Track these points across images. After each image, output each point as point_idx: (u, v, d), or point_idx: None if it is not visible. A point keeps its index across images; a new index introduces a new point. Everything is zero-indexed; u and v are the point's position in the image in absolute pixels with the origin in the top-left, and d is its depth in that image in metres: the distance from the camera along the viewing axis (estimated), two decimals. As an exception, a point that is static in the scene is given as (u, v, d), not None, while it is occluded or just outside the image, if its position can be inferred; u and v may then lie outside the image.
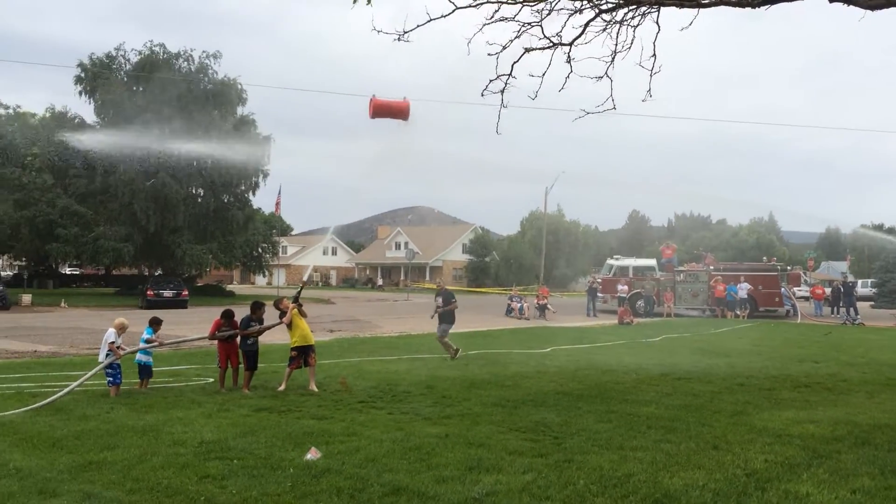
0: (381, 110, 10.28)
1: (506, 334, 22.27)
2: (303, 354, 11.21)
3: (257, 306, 11.65)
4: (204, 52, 45.18)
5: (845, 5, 6.23)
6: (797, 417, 8.90)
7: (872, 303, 41.88)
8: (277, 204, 45.41)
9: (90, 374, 10.30)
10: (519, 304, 31.91)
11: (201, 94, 43.36)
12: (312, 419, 8.59)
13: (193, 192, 44.74)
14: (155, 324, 11.30)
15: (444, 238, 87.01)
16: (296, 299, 11.82)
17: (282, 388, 10.86)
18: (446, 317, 16.19)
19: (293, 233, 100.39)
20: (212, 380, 11.68)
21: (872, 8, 6.24)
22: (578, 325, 26.98)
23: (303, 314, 11.65)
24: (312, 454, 6.76)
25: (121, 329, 10.66)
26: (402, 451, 6.97)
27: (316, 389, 10.73)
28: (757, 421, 8.67)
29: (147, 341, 10.99)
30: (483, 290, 64.85)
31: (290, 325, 11.39)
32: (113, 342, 10.38)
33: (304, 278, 13.94)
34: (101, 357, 10.44)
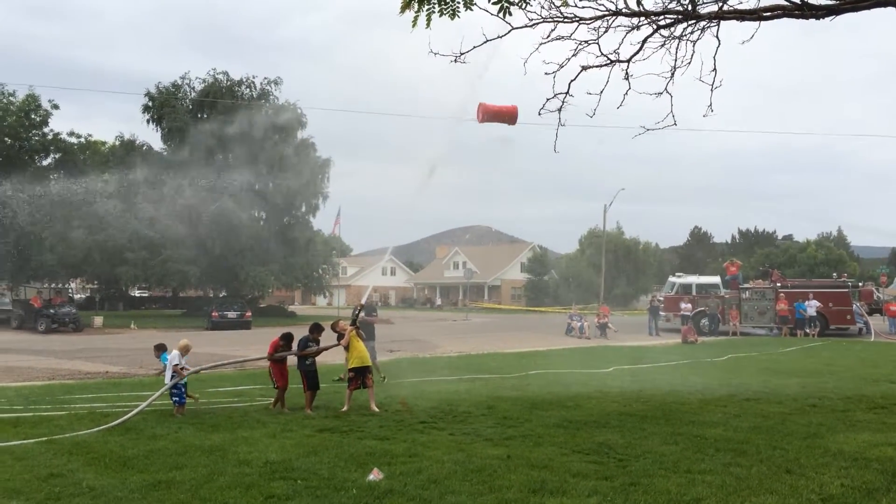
0: (490, 114, 10.36)
1: (566, 354, 22.02)
2: (360, 375, 11.28)
3: (316, 328, 11.83)
4: (265, 78, 46.52)
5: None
6: (874, 440, 8.52)
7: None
8: (336, 225, 46.17)
9: (157, 394, 10.58)
10: (579, 323, 31.55)
11: (263, 120, 44.51)
12: (374, 440, 8.62)
13: (256, 214, 45.78)
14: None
15: (502, 257, 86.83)
16: (353, 321, 11.95)
17: (345, 409, 10.95)
18: (368, 331, 14.73)
19: (352, 253, 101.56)
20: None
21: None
22: (641, 345, 26.50)
23: (360, 336, 11.75)
24: (375, 475, 6.78)
25: (185, 350, 10.95)
26: (464, 473, 6.92)
27: (377, 409, 10.78)
28: (831, 444, 8.34)
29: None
30: (542, 309, 64.35)
31: (347, 347, 11.48)
32: (177, 364, 10.66)
33: (363, 300, 13.96)
34: (167, 378, 10.72)
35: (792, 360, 19.93)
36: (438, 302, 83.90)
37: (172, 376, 10.59)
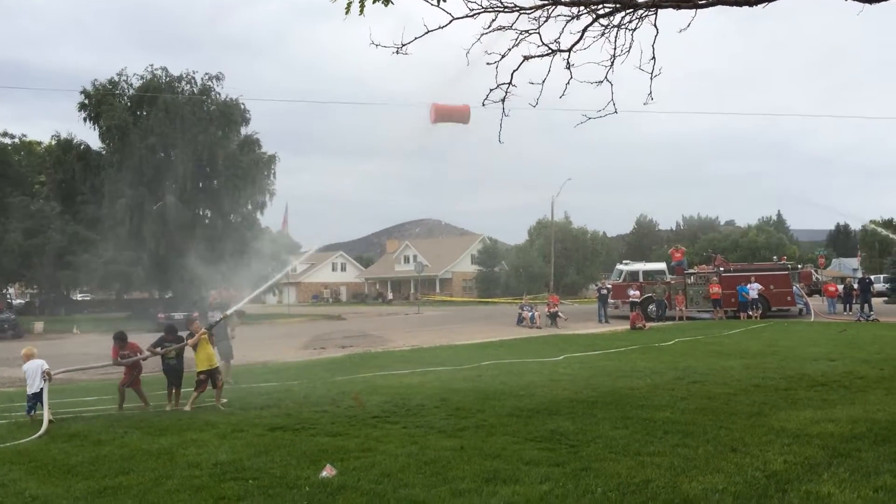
0: (443, 115, 10.30)
1: (518, 344, 22.19)
2: (210, 377, 11.42)
3: (170, 329, 12.13)
4: (206, 73, 45.61)
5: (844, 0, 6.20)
6: (815, 417, 8.80)
7: (886, 298, 41.61)
8: (284, 222, 45.59)
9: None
10: (530, 313, 31.83)
11: (205, 116, 43.66)
12: (327, 436, 8.55)
13: (201, 213, 44.94)
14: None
15: (453, 250, 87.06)
16: (210, 328, 12.05)
17: (189, 408, 10.98)
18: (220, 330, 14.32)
19: (302, 251, 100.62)
20: (225, 400, 11.66)
21: (871, 1, 6.22)
22: (590, 332, 26.88)
23: (211, 342, 11.88)
24: (328, 471, 6.72)
25: (27, 357, 10.70)
26: (418, 466, 6.92)
27: (223, 407, 10.98)
28: (775, 422, 8.58)
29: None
30: (494, 300, 64.76)
31: (195, 349, 11.51)
32: (46, 369, 10.49)
33: (228, 312, 13.57)
34: (37, 387, 10.37)
35: (736, 342, 20.46)
36: (390, 296, 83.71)
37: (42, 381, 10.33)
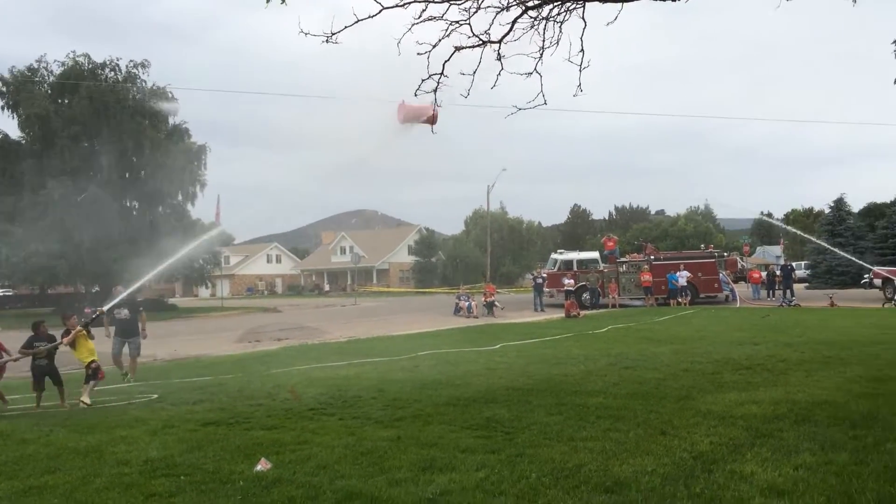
0: (411, 115, 10.18)
1: (455, 333, 22.31)
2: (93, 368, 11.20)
3: (35, 326, 11.60)
4: (131, 61, 44.15)
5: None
6: (740, 399, 9.12)
7: (807, 284, 43.37)
8: (217, 214, 44.64)
9: None
10: (467, 303, 32.04)
11: (130, 105, 42.30)
12: (262, 430, 8.44)
13: (128, 205, 43.60)
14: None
15: (389, 240, 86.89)
16: (86, 325, 11.77)
17: (85, 399, 10.76)
18: (129, 328, 14.36)
19: (235, 242, 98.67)
20: (156, 395, 11.41)
21: (788, -4, 6.45)
22: (526, 321, 27.22)
23: (90, 336, 11.63)
24: (262, 465, 6.64)
25: None
26: (355, 457, 6.90)
27: (88, 402, 10.73)
28: (702, 405, 8.86)
29: None
30: (431, 290, 64.91)
31: (73, 346, 11.32)
32: None
33: (105, 308, 13.32)
34: None
35: (666, 329, 21.04)
36: (326, 288, 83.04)
37: None
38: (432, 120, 10.19)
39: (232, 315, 41.28)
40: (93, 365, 11.16)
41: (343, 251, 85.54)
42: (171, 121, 45.22)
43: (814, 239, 43.42)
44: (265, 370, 14.36)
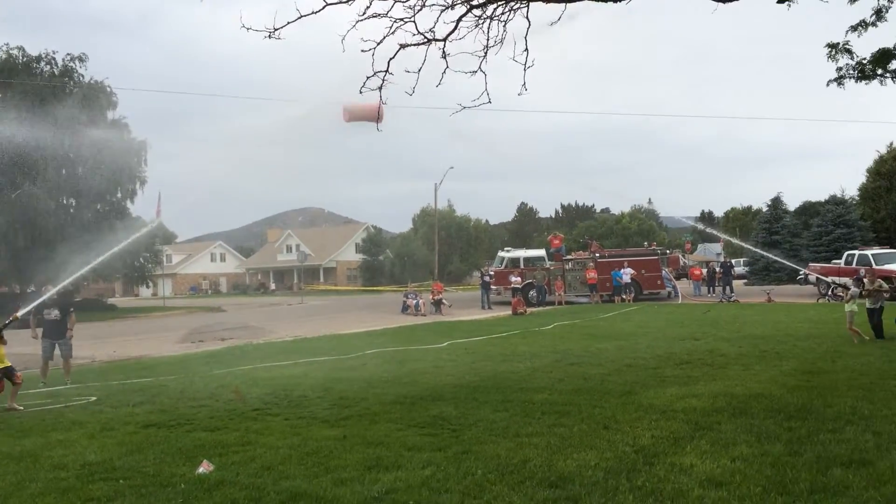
0: (355, 115, 10.07)
1: (402, 331, 22.28)
2: (5, 376, 10.76)
3: None
4: (68, 54, 42.80)
5: (700, -3, 6.56)
6: (680, 393, 9.34)
7: (746, 280, 44.58)
8: (157, 211, 43.58)
9: None
10: (415, 301, 32.02)
11: (67, 99, 40.99)
12: (204, 431, 8.29)
13: (65, 202, 42.29)
14: None
15: (336, 238, 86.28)
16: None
17: (17, 405, 10.53)
18: (57, 329, 13.89)
19: (178, 240, 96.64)
20: (94, 398, 11.10)
21: (724, 0, 6.62)
22: (474, 318, 27.34)
23: (3, 342, 11.17)
24: (204, 467, 6.52)
25: None
26: (300, 457, 6.84)
27: (19, 407, 10.51)
28: (644, 399, 9.05)
29: None
30: (379, 288, 64.66)
31: None
32: None
33: (19, 314, 12.95)
34: None
35: (610, 325, 21.40)
36: (272, 287, 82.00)
37: None
38: (378, 118, 10.16)
39: (174, 315, 40.45)
40: (7, 371, 10.68)
41: (289, 249, 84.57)
42: (109, 116, 43.96)
43: (744, 244, 44.78)
44: (208, 371, 14.11)
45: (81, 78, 42.76)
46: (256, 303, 52.91)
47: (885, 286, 15.20)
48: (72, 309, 14.36)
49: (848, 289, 15.42)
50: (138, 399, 10.75)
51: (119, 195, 44.04)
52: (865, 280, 15.48)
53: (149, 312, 42.53)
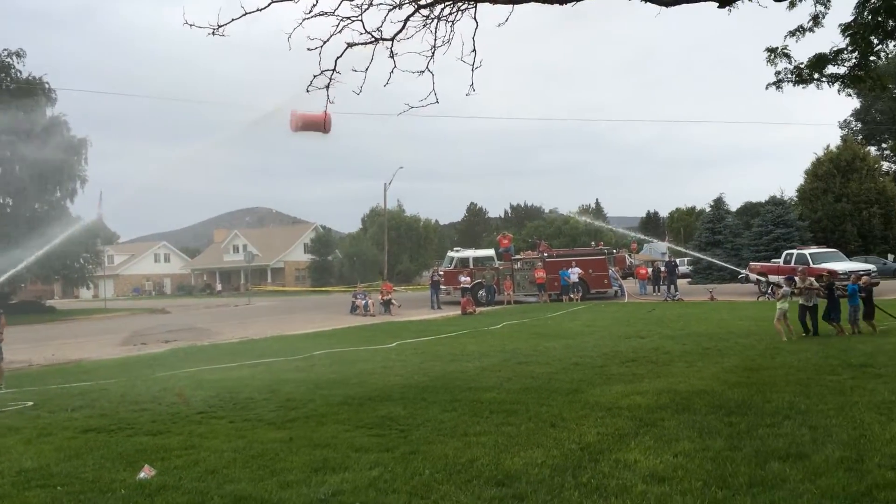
0: (303, 124, 9.87)
1: (351, 332, 22.14)
2: None
3: None
4: (5, 49, 41.35)
5: (643, 2, 6.68)
6: (626, 390, 9.49)
7: (689, 279, 45.56)
8: (99, 210, 42.37)
9: None
10: (364, 301, 31.84)
11: (4, 95, 39.61)
12: (146, 435, 8.11)
13: (2, 202, 40.87)
14: None
15: (284, 239, 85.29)
16: None
17: None
18: None
19: (120, 241, 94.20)
20: (31, 403, 10.76)
21: (666, 4, 6.75)
22: (423, 318, 27.31)
23: None
24: (146, 472, 6.38)
25: None
26: (245, 460, 6.74)
27: None
28: (590, 397, 9.16)
29: None
30: (327, 289, 64.14)
31: None
32: None
33: None
34: None
35: (558, 324, 21.62)
36: (219, 287, 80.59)
37: None
38: (325, 128, 10.05)
39: (116, 317, 39.46)
40: None
41: (236, 250, 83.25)
42: (48, 113, 42.60)
43: (679, 248, 45.94)
44: (151, 374, 13.78)
45: (19, 74, 41.34)
46: (202, 304, 51.94)
47: (816, 284, 15.69)
48: (1, 311, 13.87)
49: (780, 287, 15.90)
50: (77, 403, 10.46)
51: (59, 194, 42.71)
52: (797, 278, 15.99)
53: (89, 314, 41.38)
